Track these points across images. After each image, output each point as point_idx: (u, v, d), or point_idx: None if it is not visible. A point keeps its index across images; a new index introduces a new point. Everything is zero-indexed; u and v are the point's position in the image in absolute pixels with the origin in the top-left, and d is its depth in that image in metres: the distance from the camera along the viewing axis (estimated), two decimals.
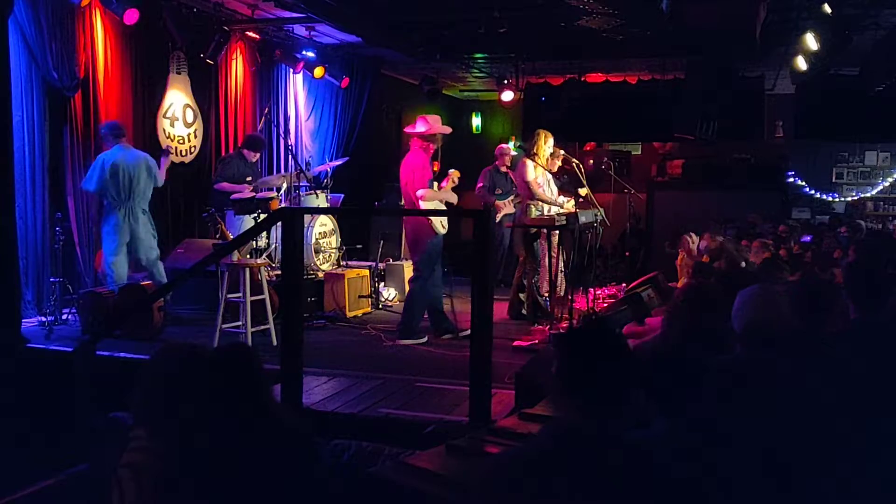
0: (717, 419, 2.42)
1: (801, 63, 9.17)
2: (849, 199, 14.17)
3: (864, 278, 3.65)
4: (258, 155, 8.53)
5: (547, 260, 7.29)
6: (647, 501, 1.89)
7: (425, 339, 6.83)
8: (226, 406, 2.07)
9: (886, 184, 14.06)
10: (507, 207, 9.89)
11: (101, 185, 6.95)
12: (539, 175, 7.44)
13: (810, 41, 8.21)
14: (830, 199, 14.18)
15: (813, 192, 14.15)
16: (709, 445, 2.32)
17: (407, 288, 9.12)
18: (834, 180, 14.29)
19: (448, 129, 7.12)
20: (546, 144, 7.47)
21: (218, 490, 1.97)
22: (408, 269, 9.21)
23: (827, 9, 7.32)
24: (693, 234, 7.72)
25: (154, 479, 1.95)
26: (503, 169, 9.97)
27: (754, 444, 2.31)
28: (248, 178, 8.24)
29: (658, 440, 2.36)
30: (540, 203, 7.42)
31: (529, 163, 7.42)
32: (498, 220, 9.74)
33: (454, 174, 7.55)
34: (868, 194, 14.15)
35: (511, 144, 11.25)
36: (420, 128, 6.85)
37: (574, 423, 2.01)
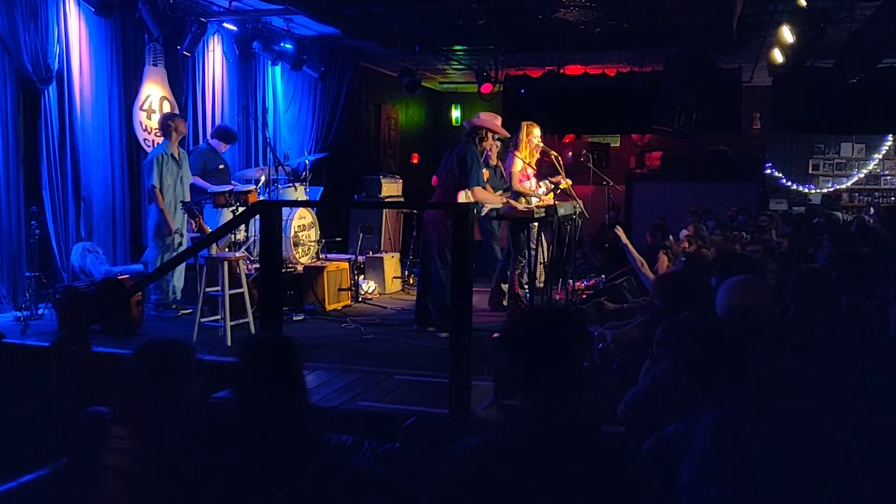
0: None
1: (778, 55, 9.24)
2: (825, 190, 14.32)
3: (856, 266, 3.70)
4: (227, 146, 8.47)
5: (527, 252, 7.32)
6: (603, 490, 1.88)
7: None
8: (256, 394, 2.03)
9: (861, 175, 14.22)
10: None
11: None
12: (524, 168, 7.46)
13: (786, 34, 8.28)
14: (807, 190, 14.32)
15: (790, 183, 14.29)
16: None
17: (388, 280, 9.13)
18: (810, 171, 14.43)
19: (502, 131, 7.04)
20: (529, 136, 7.46)
21: (213, 489, 1.94)
22: (388, 262, 9.20)
23: (802, 2, 7.38)
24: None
25: (139, 481, 1.93)
26: (492, 163, 9.96)
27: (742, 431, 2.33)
28: (221, 167, 8.20)
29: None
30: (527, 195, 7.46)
31: (516, 155, 7.45)
32: (484, 212, 9.71)
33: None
34: (843, 185, 14.30)
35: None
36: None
37: (525, 414, 1.98)
